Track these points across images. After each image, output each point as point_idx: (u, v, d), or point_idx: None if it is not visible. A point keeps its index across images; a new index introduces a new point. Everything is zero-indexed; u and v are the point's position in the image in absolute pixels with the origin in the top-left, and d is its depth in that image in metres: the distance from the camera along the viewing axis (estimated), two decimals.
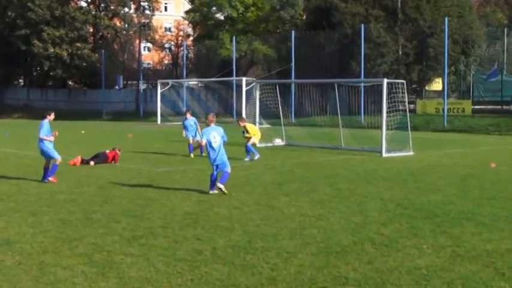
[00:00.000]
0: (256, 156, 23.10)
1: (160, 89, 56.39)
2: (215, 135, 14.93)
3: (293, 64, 52.27)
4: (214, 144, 14.83)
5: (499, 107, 47.86)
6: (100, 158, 21.75)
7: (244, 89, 48.76)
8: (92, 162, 21.26)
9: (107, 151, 22.22)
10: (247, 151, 23.25)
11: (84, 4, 77.82)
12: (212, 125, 15.22)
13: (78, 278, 8.23)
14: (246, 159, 22.91)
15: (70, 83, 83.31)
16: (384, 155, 24.07)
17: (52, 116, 18.50)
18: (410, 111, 31.72)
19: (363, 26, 48.50)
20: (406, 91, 27.18)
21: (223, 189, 14.63)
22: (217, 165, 14.93)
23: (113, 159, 21.99)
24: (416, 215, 12.38)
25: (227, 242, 10.14)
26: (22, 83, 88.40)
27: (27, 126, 49.33)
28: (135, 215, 12.41)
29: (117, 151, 22.26)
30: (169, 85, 57.57)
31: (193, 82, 65.78)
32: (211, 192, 14.91)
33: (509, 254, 9.41)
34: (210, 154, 15.01)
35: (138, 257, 9.20)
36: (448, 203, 13.69)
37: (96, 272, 8.47)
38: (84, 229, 11.13)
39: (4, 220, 11.93)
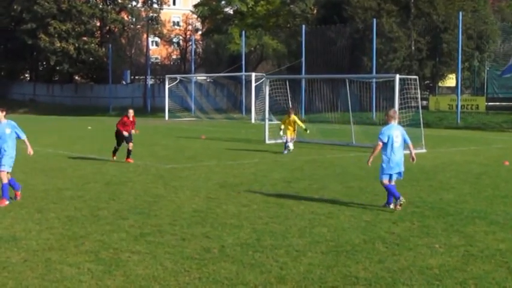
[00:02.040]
0: (286, 151, 23.96)
1: (168, 84, 56.32)
2: (397, 134, 12.78)
3: (303, 59, 52.04)
4: (396, 145, 12.67)
5: None
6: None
7: (253, 84, 48.67)
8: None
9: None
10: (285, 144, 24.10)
11: None
12: (393, 122, 12.96)
13: (84, 275, 8.13)
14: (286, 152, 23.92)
15: (77, 78, 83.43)
16: None
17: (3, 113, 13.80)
18: (423, 107, 31.57)
19: (375, 20, 48.19)
20: (418, 87, 26.98)
21: (399, 207, 12.48)
22: (390, 175, 12.75)
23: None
24: (428, 213, 12.19)
25: (236, 240, 10.00)
26: (28, 78, 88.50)
27: (33, 122, 49.44)
28: (142, 212, 12.29)
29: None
30: (178, 80, 57.48)
31: (201, 77, 65.74)
32: (391, 207, 12.64)
33: None
34: (388, 157, 12.74)
35: (145, 255, 9.08)
36: (461, 202, 13.50)
37: (103, 270, 8.36)
38: (90, 226, 11.01)
39: (10, 216, 11.82)
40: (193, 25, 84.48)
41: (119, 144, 21.09)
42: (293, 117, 24.59)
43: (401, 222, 11.36)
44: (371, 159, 12.97)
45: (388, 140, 12.64)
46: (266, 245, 9.63)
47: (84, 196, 14.13)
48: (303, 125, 24.98)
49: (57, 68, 75.38)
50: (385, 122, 13.22)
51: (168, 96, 55.88)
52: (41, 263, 8.72)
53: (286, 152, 23.87)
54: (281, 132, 25.04)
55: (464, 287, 7.67)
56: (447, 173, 18.38)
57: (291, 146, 24.11)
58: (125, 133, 20.48)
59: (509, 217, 11.81)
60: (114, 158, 21.11)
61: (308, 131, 25.20)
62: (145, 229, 10.76)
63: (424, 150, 24.42)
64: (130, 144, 20.67)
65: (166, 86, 56.28)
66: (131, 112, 21.02)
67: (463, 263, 8.71)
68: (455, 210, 12.51)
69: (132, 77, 78.94)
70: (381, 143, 12.73)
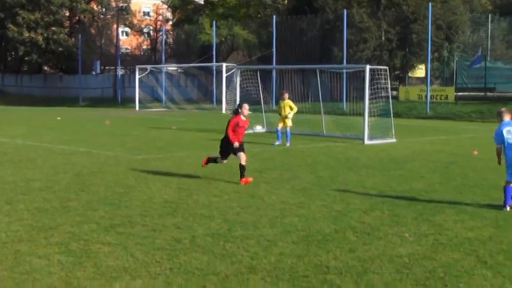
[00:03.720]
0: (277, 142, 23.43)
1: (139, 74, 55.89)
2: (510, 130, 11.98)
3: (274, 50, 52.00)
4: (510, 141, 11.90)
5: (483, 93, 47.92)
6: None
7: (224, 75, 48.55)
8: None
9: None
10: (287, 136, 23.40)
11: None
12: (508, 118, 12.12)
13: (54, 267, 8.07)
14: (277, 143, 23.28)
15: (46, 68, 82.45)
16: (366, 142, 24.00)
17: None
18: (393, 97, 31.73)
19: (345, 11, 48.27)
20: (388, 77, 27.12)
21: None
22: None
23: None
24: (398, 202, 12.29)
25: (206, 230, 9.99)
26: None
27: (2, 112, 48.82)
28: (112, 202, 12.22)
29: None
30: (148, 71, 57.06)
31: (172, 68, 65.29)
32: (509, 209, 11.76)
33: (491, 241, 9.35)
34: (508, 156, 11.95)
35: (116, 246, 9.03)
36: (431, 191, 13.63)
37: (73, 261, 8.30)
38: (60, 217, 10.92)
39: None
40: (164, 15, 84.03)
41: (223, 155, 15.18)
42: (287, 100, 23.80)
43: (371, 211, 11.43)
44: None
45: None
46: (237, 235, 9.64)
47: (54, 187, 13.99)
48: (295, 110, 23.76)
49: (26, 58, 74.45)
50: (499, 119, 12.25)
51: (139, 87, 55.47)
52: (10, 254, 8.63)
53: (277, 143, 23.51)
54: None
55: (434, 275, 7.74)
56: (417, 162, 18.53)
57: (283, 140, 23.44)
58: (236, 144, 14.61)
59: (477, 206, 11.95)
60: (206, 164, 15.81)
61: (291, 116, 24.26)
62: (116, 220, 10.70)
63: (393, 140, 24.62)
64: (242, 157, 14.64)
65: (137, 77, 55.85)
66: (246, 108, 15.25)
67: (433, 251, 8.79)
68: (425, 199, 12.63)
69: (102, 68, 78.25)
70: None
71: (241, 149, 14.69)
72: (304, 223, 10.50)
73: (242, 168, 14.51)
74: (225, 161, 15.29)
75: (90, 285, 7.34)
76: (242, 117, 15.00)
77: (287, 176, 15.70)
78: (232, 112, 15.52)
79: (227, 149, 14.83)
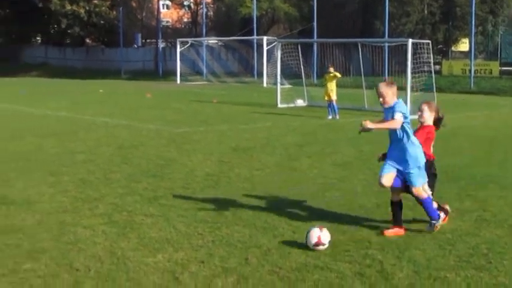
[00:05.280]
0: (330, 116, 23.46)
1: (180, 47, 56.00)
2: None
3: (315, 23, 51.55)
4: None
5: None
6: None
7: (265, 48, 48.36)
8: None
9: None
10: (334, 109, 23.43)
11: None
12: None
13: (98, 237, 8.18)
14: (330, 117, 23.36)
15: (88, 41, 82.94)
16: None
17: None
18: (435, 72, 31.30)
19: None
20: (431, 52, 26.73)
21: None
22: None
23: None
24: (440, 177, 12.14)
25: (248, 203, 10.01)
26: (40, 41, 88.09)
27: (46, 85, 49.50)
28: (155, 175, 12.33)
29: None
30: (189, 44, 57.08)
31: (213, 41, 65.25)
32: None
33: None
34: None
35: (159, 218, 9.12)
36: (474, 166, 13.47)
37: (117, 232, 8.41)
38: (104, 189, 11.07)
39: (24, 180, 11.89)
40: None
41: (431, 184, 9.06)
42: (334, 72, 23.79)
43: None
44: None
45: None
46: (279, 209, 9.64)
47: (97, 159, 14.18)
48: (338, 76, 23.99)
49: (69, 31, 74.93)
50: None
51: (180, 60, 55.59)
52: (55, 225, 8.78)
53: (330, 117, 23.51)
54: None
55: (477, 252, 7.66)
56: (460, 137, 18.30)
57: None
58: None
59: None
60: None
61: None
62: (159, 192, 10.81)
63: None
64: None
65: (178, 50, 55.95)
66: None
67: (476, 227, 8.70)
68: (467, 174, 12.48)
69: (143, 41, 78.49)
70: None
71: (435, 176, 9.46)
72: (346, 197, 10.47)
73: (444, 210, 8.98)
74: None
75: (133, 255, 7.43)
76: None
77: (328, 151, 15.65)
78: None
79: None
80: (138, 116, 24.26)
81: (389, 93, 8.35)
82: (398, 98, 8.48)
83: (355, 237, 8.23)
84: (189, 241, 8.03)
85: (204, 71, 57.87)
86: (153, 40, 74.43)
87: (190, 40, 58.07)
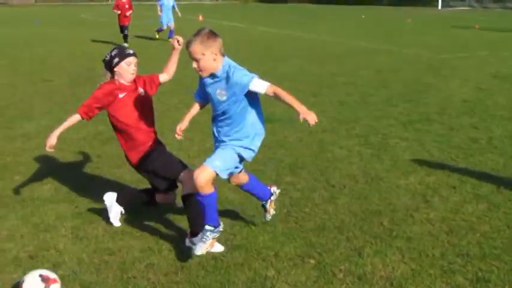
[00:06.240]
0: None
1: None
2: None
3: None
4: None
5: None
6: None
7: None
8: None
9: None
10: None
11: None
12: None
13: (354, 157, 8.57)
14: None
15: None
16: None
17: None
18: None
19: None
20: None
21: None
22: None
23: None
24: None
25: (504, 132, 9.82)
26: None
27: (311, 11, 50.50)
28: (411, 99, 12.46)
29: None
30: None
31: None
32: None
33: None
34: None
35: (413, 142, 9.31)
36: None
37: (371, 153, 8.74)
38: (360, 111, 11.46)
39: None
40: None
41: None
42: None
43: None
44: None
45: None
46: None
47: (356, 82, 14.62)
48: None
49: None
50: None
51: None
52: (315, 143, 9.34)
53: None
54: None
55: None
56: None
57: None
58: None
59: None
60: None
61: None
62: (414, 117, 10.96)
63: None
64: None
65: None
66: None
67: None
68: None
69: None
70: None
71: None
72: None
73: None
74: None
75: (386, 176, 7.71)
76: None
77: None
78: None
79: None
80: (398, 41, 24.22)
81: None
82: None
83: None
84: (441, 166, 8.12)
85: None
86: None
87: None
